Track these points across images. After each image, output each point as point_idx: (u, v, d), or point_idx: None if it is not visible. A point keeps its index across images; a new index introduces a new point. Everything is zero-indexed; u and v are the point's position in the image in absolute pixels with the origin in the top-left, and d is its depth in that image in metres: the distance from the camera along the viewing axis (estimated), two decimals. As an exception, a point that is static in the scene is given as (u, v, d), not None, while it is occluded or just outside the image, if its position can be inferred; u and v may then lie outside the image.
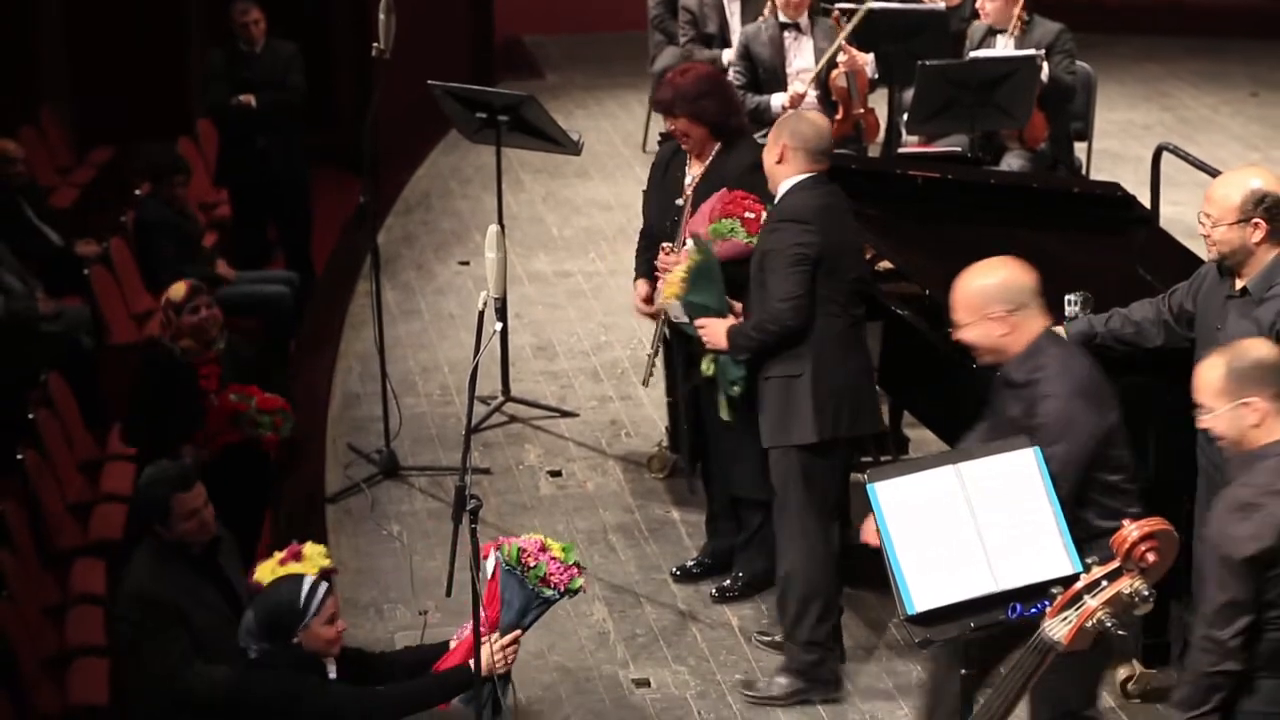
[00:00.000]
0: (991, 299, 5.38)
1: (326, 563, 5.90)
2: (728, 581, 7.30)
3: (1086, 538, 5.22)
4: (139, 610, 5.85)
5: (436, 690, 5.74)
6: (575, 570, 5.78)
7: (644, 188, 7.72)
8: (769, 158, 6.41)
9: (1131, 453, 5.46)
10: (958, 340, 5.55)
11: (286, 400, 7.53)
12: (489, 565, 5.78)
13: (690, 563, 7.48)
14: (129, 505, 6.36)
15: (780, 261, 6.29)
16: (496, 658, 5.62)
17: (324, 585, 5.61)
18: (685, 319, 6.66)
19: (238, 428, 7.35)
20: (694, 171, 7.13)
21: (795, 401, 6.36)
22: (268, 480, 7.71)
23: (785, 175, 6.37)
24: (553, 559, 5.74)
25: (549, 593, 5.76)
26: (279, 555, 5.92)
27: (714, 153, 7.08)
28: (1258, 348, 4.93)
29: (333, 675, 5.64)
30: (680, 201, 7.14)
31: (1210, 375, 4.90)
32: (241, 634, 5.59)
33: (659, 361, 7.74)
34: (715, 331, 6.51)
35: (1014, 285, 5.40)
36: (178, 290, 7.44)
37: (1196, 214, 5.92)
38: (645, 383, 7.88)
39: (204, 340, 7.44)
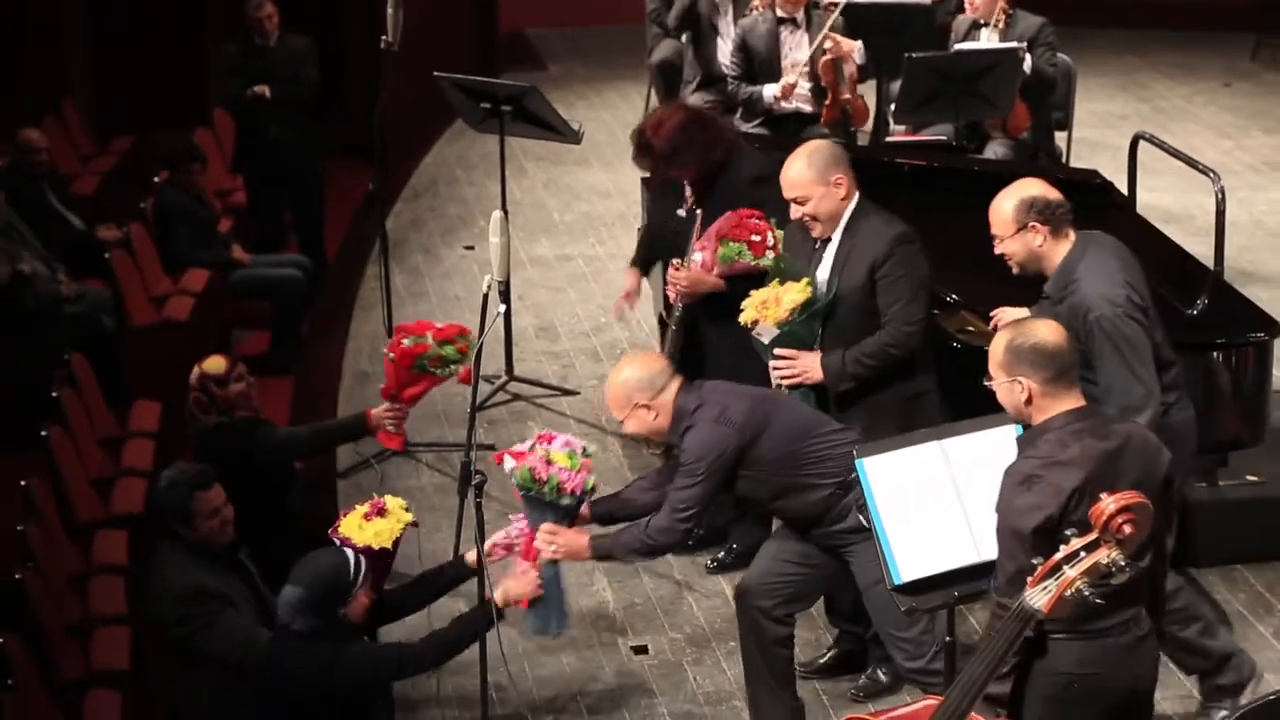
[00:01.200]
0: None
1: (409, 516, 5.88)
2: (722, 553, 7.30)
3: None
4: (188, 605, 5.79)
5: (468, 634, 5.83)
6: (585, 472, 5.84)
7: (643, 176, 7.70)
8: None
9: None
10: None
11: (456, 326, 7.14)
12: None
13: (722, 553, 7.42)
14: (148, 510, 6.18)
15: (910, 287, 6.23)
16: (546, 550, 5.85)
17: (361, 557, 5.62)
18: (764, 341, 6.41)
19: (425, 373, 7.01)
20: (690, 192, 7.07)
21: (928, 417, 6.23)
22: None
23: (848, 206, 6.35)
24: (561, 469, 5.81)
25: (568, 500, 5.84)
26: (363, 509, 5.89)
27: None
28: (1041, 331, 4.88)
29: None
30: (681, 212, 7.08)
31: (995, 346, 4.91)
32: (284, 609, 5.54)
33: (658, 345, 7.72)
34: (811, 365, 6.30)
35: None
36: (216, 365, 6.75)
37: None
38: None
39: (251, 407, 6.84)
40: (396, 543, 5.90)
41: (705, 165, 6.95)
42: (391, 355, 7.04)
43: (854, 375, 6.26)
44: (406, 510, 5.90)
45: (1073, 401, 4.83)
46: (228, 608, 5.82)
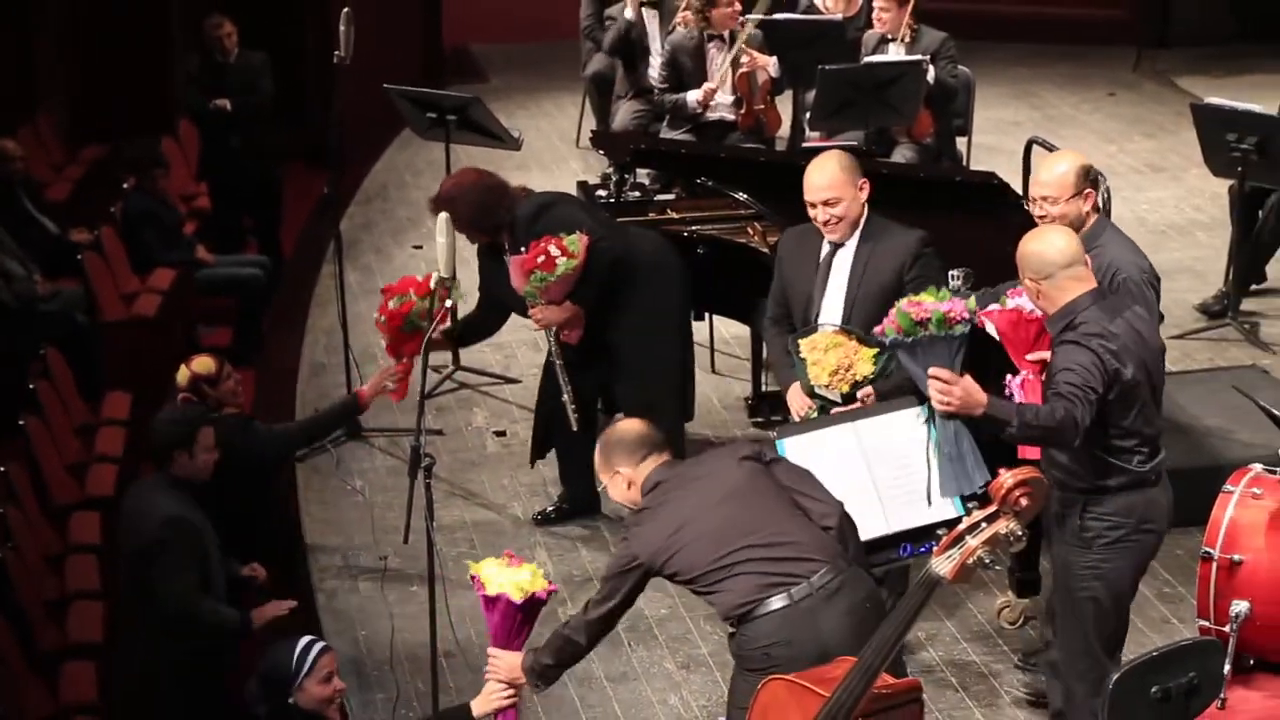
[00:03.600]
0: (1025, 265, 5.33)
1: (543, 584, 5.10)
2: (550, 507, 7.36)
3: (1093, 489, 5.28)
4: (172, 531, 5.82)
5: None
6: (962, 298, 5.38)
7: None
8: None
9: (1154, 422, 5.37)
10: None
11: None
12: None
13: (550, 508, 7.48)
14: (149, 438, 6.12)
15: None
16: (940, 403, 5.15)
17: (318, 645, 5.41)
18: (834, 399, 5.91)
19: (416, 330, 6.84)
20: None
21: None
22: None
23: None
24: (938, 303, 5.34)
25: (960, 329, 5.33)
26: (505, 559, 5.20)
27: (485, 241, 7.14)
28: (620, 428, 5.15)
29: None
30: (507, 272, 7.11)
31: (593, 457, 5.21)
32: (248, 697, 5.47)
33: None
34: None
35: (1043, 258, 5.27)
36: (206, 365, 6.62)
37: (1028, 202, 5.92)
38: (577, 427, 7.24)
39: (239, 404, 6.80)
40: (531, 603, 5.12)
41: (475, 226, 6.99)
42: (382, 318, 6.93)
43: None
44: (544, 579, 5.15)
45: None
46: (194, 554, 5.85)
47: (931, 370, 5.17)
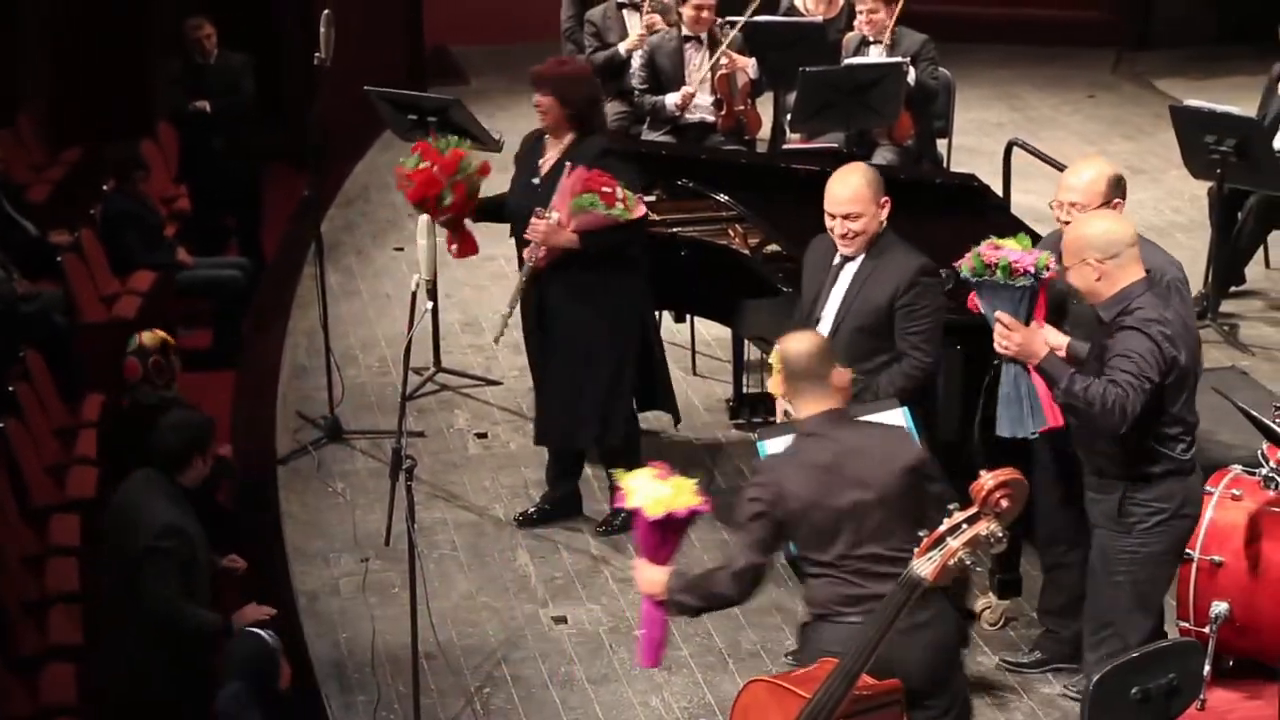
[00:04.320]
0: (1089, 247, 5.36)
1: (690, 501, 4.96)
2: (613, 517, 7.31)
3: (1138, 476, 5.39)
4: (168, 540, 5.93)
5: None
6: (1033, 253, 5.42)
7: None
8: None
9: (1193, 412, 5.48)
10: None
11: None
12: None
13: (531, 509, 7.46)
14: (162, 441, 6.22)
15: (933, 318, 6.00)
16: (1000, 345, 5.41)
17: (266, 631, 5.63)
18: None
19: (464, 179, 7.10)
20: (549, 156, 7.07)
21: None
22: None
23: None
24: (1012, 251, 5.41)
25: (1022, 282, 5.42)
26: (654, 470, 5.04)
27: (569, 141, 7.01)
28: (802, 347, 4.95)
29: None
30: (535, 180, 7.05)
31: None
32: (227, 706, 5.54)
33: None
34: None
35: (1110, 238, 5.36)
36: (161, 335, 7.17)
37: (1050, 204, 5.94)
38: (497, 340, 7.55)
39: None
40: (671, 521, 4.98)
41: (578, 110, 6.99)
42: (431, 166, 7.06)
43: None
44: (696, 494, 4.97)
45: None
46: (185, 561, 5.97)
47: (997, 314, 5.43)
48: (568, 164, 6.90)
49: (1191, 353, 5.46)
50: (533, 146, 7.20)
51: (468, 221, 7.39)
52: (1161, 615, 5.80)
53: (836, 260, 6.09)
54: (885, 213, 6.00)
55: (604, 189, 6.80)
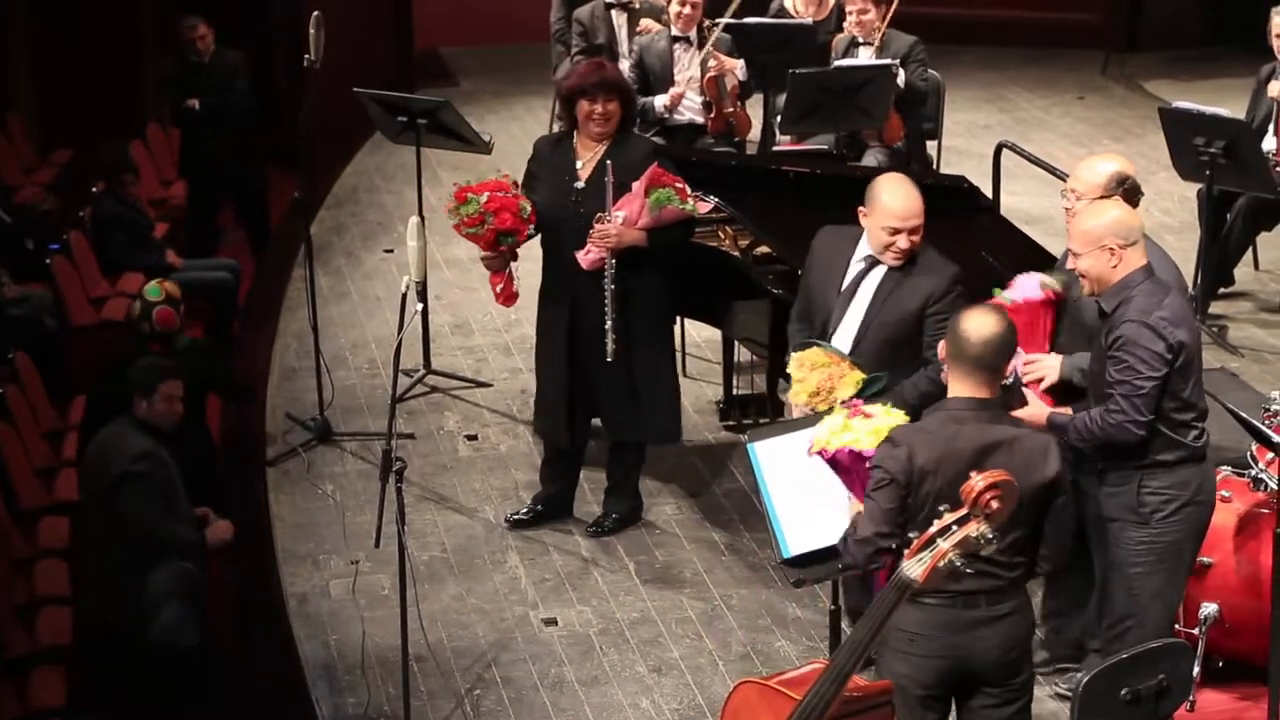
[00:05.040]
0: (1108, 233, 5.38)
1: (846, 444, 4.99)
2: (604, 519, 7.29)
3: (1151, 464, 5.41)
4: (138, 462, 6.33)
5: None
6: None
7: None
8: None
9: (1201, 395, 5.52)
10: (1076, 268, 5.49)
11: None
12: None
13: (524, 510, 7.44)
14: (117, 382, 6.75)
15: None
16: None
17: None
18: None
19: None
20: (585, 158, 6.93)
21: None
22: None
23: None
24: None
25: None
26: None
27: (607, 142, 6.91)
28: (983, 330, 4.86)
29: None
30: (578, 184, 6.90)
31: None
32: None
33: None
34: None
35: (1126, 223, 5.42)
36: (174, 288, 7.63)
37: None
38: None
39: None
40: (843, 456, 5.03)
41: (631, 109, 7.00)
42: (483, 197, 6.91)
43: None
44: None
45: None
46: (162, 482, 6.37)
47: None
48: (609, 163, 6.82)
49: (1195, 336, 5.49)
50: (556, 150, 7.04)
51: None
52: (1175, 608, 5.78)
53: (857, 267, 6.03)
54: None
55: (676, 184, 6.81)
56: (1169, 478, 5.48)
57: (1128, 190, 5.80)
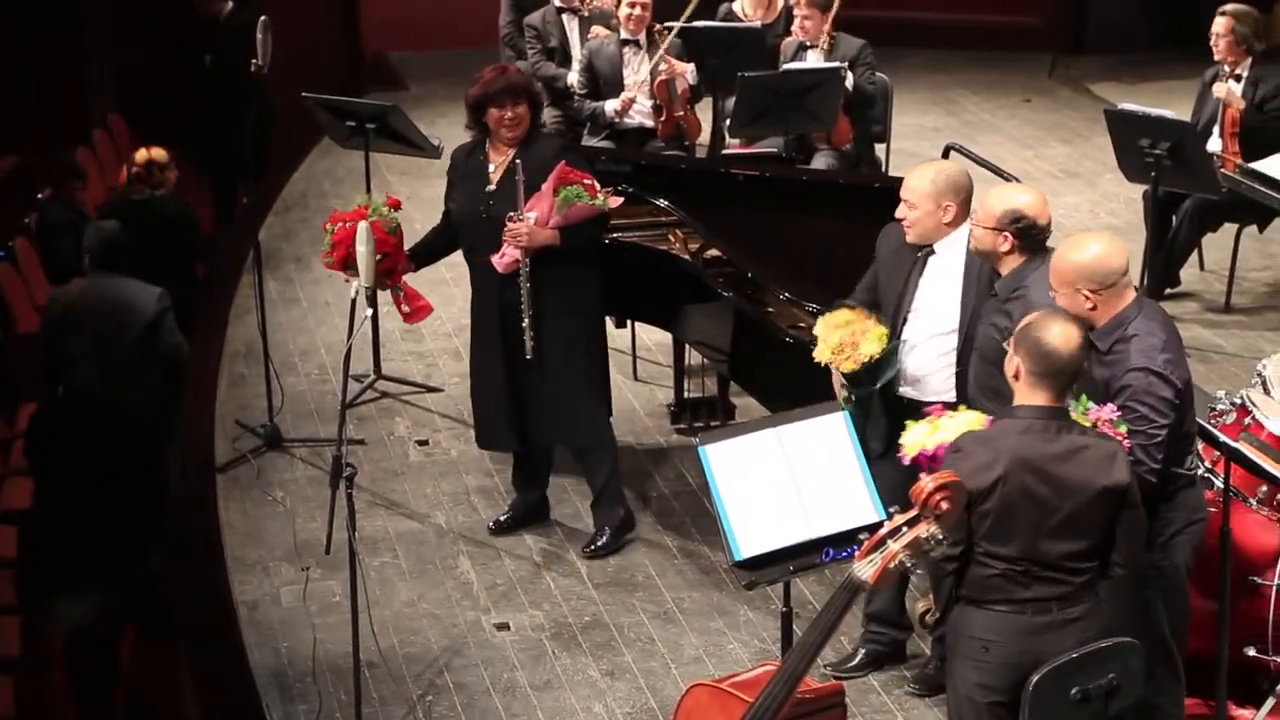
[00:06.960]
0: (1082, 276, 5.22)
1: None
2: (597, 536, 7.24)
3: (1162, 497, 5.30)
4: (163, 301, 7.51)
5: None
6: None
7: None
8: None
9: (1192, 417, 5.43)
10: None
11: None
12: None
13: (503, 517, 7.42)
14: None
15: None
16: None
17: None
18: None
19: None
20: (496, 161, 6.96)
21: None
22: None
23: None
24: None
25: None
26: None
27: (516, 145, 6.94)
28: (1050, 338, 4.85)
29: None
30: (489, 188, 6.93)
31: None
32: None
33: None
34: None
35: (1107, 267, 5.22)
36: (161, 154, 8.82)
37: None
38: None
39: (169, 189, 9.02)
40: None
41: (538, 112, 7.03)
42: (343, 224, 7.09)
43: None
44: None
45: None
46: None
47: None
48: (518, 163, 6.85)
49: (1184, 362, 5.37)
50: (469, 157, 7.09)
51: (407, 279, 7.21)
52: (1186, 623, 5.67)
53: (921, 252, 5.95)
54: (948, 217, 5.87)
55: (585, 181, 6.81)
56: (1173, 503, 5.42)
57: (1021, 230, 5.51)
